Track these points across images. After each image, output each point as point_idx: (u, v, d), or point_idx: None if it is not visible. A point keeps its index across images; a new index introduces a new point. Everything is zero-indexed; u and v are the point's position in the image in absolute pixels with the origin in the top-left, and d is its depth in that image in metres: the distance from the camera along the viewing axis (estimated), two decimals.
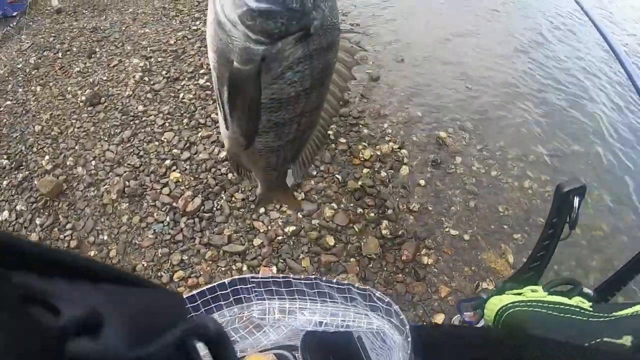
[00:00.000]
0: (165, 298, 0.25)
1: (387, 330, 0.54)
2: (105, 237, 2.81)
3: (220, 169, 3.01)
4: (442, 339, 0.59)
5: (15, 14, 5.57)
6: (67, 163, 3.29)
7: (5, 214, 3.16)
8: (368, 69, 4.04)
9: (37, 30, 5.35)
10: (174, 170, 3.03)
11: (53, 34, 4.97)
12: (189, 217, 2.80)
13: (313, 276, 0.56)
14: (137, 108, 3.58)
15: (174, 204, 2.86)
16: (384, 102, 3.72)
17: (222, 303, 0.57)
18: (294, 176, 0.91)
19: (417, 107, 3.63)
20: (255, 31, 0.51)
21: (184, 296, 0.52)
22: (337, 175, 2.94)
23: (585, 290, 0.66)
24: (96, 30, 4.86)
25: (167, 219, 2.81)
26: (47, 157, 3.40)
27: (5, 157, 3.45)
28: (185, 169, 3.04)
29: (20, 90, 4.18)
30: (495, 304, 0.59)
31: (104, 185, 3.06)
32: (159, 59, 4.09)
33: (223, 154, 3.08)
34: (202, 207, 2.83)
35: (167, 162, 3.09)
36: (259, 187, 1.05)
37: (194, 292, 0.54)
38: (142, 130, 3.38)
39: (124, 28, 4.86)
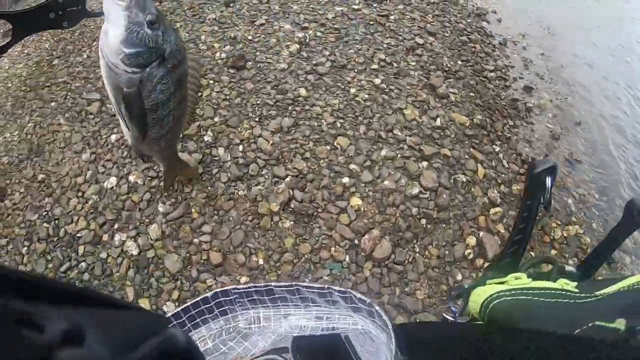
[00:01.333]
0: (142, 316, 0.26)
1: (372, 330, 0.55)
2: (261, 262, 2.09)
3: (411, 209, 2.32)
4: (426, 336, 0.60)
5: None
6: (205, 138, 2.54)
7: (113, 180, 2.40)
8: (549, 123, 3.36)
9: None
10: (353, 194, 2.32)
11: None
12: (376, 265, 2.11)
13: (293, 282, 0.57)
14: (296, 90, 2.83)
15: (356, 241, 2.16)
16: (567, 169, 3.07)
17: (208, 317, 0.57)
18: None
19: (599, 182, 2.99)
20: (131, 66, 0.85)
21: (169, 315, 0.54)
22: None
23: (568, 268, 0.65)
24: None
25: (347, 258, 2.11)
26: None
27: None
28: (368, 196, 2.33)
29: None
30: (480, 294, 0.56)
31: (257, 185, 2.33)
32: (318, 34, 3.32)
33: (415, 190, 2.38)
34: (393, 256, 2.13)
35: (345, 179, 2.37)
36: (162, 167, 1.59)
37: (178, 309, 0.54)
38: (306, 122, 2.64)
39: None
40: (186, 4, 3.66)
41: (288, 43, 3.19)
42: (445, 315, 0.76)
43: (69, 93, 3.05)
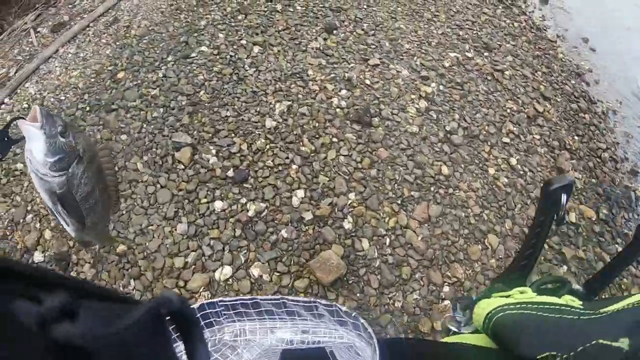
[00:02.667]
0: (136, 304, 0.26)
1: (358, 344, 0.56)
2: None
3: None
4: (412, 354, 0.61)
5: None
6: (344, 225, 2.12)
7: (227, 271, 1.96)
8: None
9: None
10: None
11: None
12: None
13: (279, 296, 0.58)
14: (434, 164, 2.45)
15: None
16: None
17: None
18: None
19: None
20: (58, 170, 0.95)
21: None
22: None
23: (575, 286, 0.64)
24: None
25: None
26: (300, 192, 2.18)
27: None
28: None
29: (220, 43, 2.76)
30: (484, 307, 0.55)
31: (412, 293, 1.97)
32: (441, 87, 2.92)
33: None
34: None
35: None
36: (99, 243, 1.76)
37: None
38: (452, 211, 2.29)
39: (368, 7, 3.51)
40: (280, 22, 3.08)
41: (412, 96, 2.76)
42: (449, 326, 0.73)
43: (145, 126, 2.45)
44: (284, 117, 2.47)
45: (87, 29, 3.35)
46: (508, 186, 2.51)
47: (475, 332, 0.64)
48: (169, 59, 2.83)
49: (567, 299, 0.52)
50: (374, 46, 3.06)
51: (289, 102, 2.53)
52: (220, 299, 0.59)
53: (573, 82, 3.62)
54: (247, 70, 2.74)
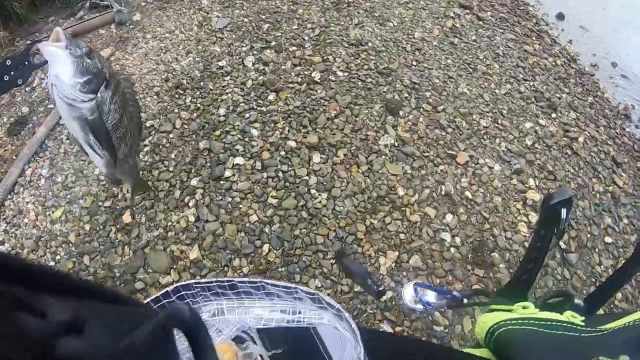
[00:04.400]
0: (142, 308, 0.27)
1: (340, 328, 0.55)
2: None
3: None
4: (393, 349, 0.61)
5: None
6: None
7: None
8: None
9: None
10: None
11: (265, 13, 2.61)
12: None
13: (258, 279, 0.57)
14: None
15: None
16: None
17: None
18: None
19: None
20: (87, 92, 0.92)
21: None
22: None
23: (576, 301, 0.65)
24: (325, 30, 2.70)
25: None
26: None
27: None
28: None
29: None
30: (486, 322, 0.56)
31: None
32: (537, 183, 2.45)
33: None
34: None
35: None
36: (129, 184, 1.61)
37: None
38: None
39: (417, 63, 2.84)
40: (330, 106, 2.33)
41: (517, 206, 2.27)
42: (413, 306, 0.73)
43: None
44: (395, 274, 1.85)
45: (58, 130, 2.32)
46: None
47: (476, 347, 0.61)
48: (193, 183, 2.00)
49: (569, 315, 0.52)
50: (450, 129, 2.47)
51: (395, 252, 1.90)
52: (195, 280, 0.57)
53: (626, 127, 3.36)
54: (316, 198, 2.02)
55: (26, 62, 0.99)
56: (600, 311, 0.69)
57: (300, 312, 0.58)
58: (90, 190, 2.19)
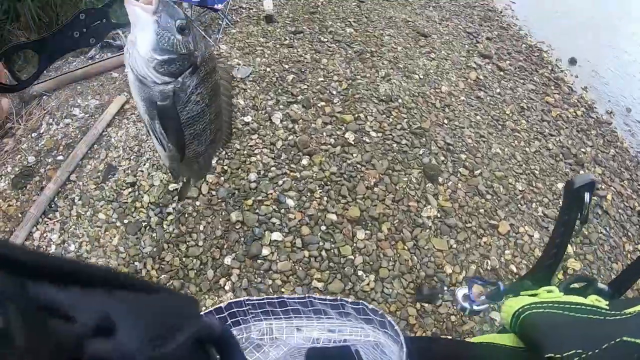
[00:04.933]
0: (175, 300, 0.26)
1: (384, 341, 0.57)
2: None
3: None
4: (439, 354, 0.63)
5: (221, 6, 2.82)
6: None
7: None
8: None
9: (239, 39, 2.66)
10: None
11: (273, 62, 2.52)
12: None
13: (306, 295, 0.58)
14: None
15: None
16: None
17: None
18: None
19: None
20: (164, 74, 0.75)
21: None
22: None
23: (600, 285, 0.64)
24: (352, 84, 2.63)
25: None
26: None
27: None
28: None
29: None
30: (512, 306, 0.57)
31: None
32: (577, 252, 2.37)
33: None
34: None
35: None
36: (187, 181, 1.33)
37: None
38: None
39: (448, 121, 2.76)
40: (367, 173, 2.21)
41: (561, 279, 2.16)
42: (463, 303, 0.71)
43: None
44: None
45: (69, 187, 2.12)
46: None
47: (502, 332, 0.63)
48: (227, 262, 1.83)
49: (593, 299, 0.52)
50: (489, 195, 2.37)
51: (448, 337, 1.76)
52: (247, 297, 0.59)
53: None
54: (363, 281, 1.88)
55: (104, 20, 0.82)
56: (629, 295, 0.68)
57: (345, 332, 0.59)
58: (108, 262, 1.99)
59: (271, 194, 2.11)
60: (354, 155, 2.33)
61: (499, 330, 0.67)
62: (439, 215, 2.20)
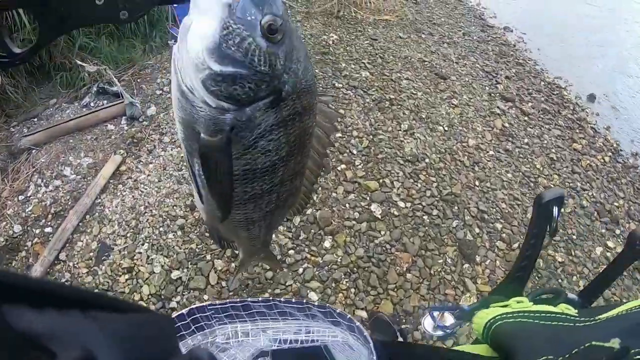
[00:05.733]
0: (153, 322, 0.25)
1: (353, 344, 0.56)
2: None
3: None
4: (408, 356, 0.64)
5: None
6: None
7: None
8: None
9: None
10: None
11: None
12: None
13: (270, 297, 0.61)
14: None
15: None
16: None
17: (184, 333, 0.57)
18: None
19: None
20: (220, 97, 0.45)
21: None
22: None
23: (570, 295, 0.65)
24: (374, 140, 2.40)
25: None
26: None
27: None
28: None
29: None
30: (483, 317, 0.57)
31: None
32: None
33: None
34: None
35: None
36: (241, 253, 0.92)
37: None
38: None
39: (479, 182, 2.52)
40: (399, 256, 1.95)
41: None
42: (433, 332, 0.72)
43: None
44: None
45: (57, 269, 1.85)
46: None
47: (475, 343, 0.62)
48: None
49: (563, 307, 0.53)
50: (536, 277, 2.13)
51: None
52: (209, 302, 0.56)
53: None
54: None
55: None
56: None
57: (313, 332, 0.58)
58: None
59: (291, 285, 1.84)
60: (382, 232, 2.08)
61: (472, 341, 0.68)
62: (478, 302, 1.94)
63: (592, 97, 4.22)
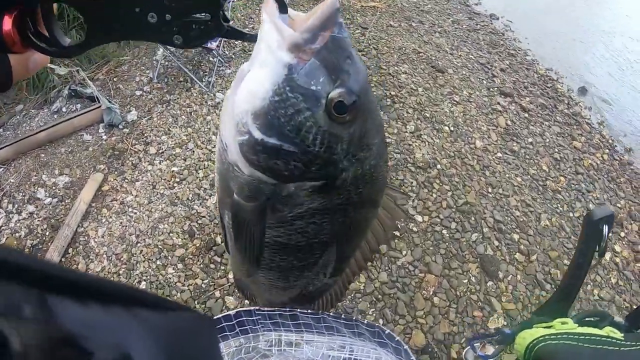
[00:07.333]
0: (196, 324, 0.25)
1: None
2: None
3: None
4: None
5: (214, 44, 2.31)
6: None
7: None
8: None
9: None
10: None
11: None
12: None
13: (320, 311, 0.55)
14: None
15: None
16: None
17: (228, 333, 0.56)
18: None
19: None
20: (257, 168, 0.38)
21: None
22: None
23: (617, 319, 0.64)
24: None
25: None
26: None
27: None
28: None
29: None
30: (526, 337, 0.57)
31: None
32: None
33: None
34: None
35: None
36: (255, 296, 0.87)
37: None
38: None
39: (491, 189, 2.42)
40: (426, 279, 1.83)
41: None
42: (466, 358, 0.71)
43: None
44: None
45: None
46: None
47: None
48: None
49: (608, 331, 0.52)
50: (548, 285, 2.10)
51: None
52: (258, 307, 0.55)
53: None
54: None
55: (212, 15, 0.40)
56: None
57: (356, 350, 0.57)
58: None
59: None
60: (403, 252, 1.93)
61: None
62: (505, 324, 1.86)
63: (583, 90, 4.21)
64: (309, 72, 0.34)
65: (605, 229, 0.63)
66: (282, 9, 0.35)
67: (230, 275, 1.74)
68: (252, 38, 0.38)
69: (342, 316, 0.56)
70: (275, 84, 0.35)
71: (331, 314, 0.56)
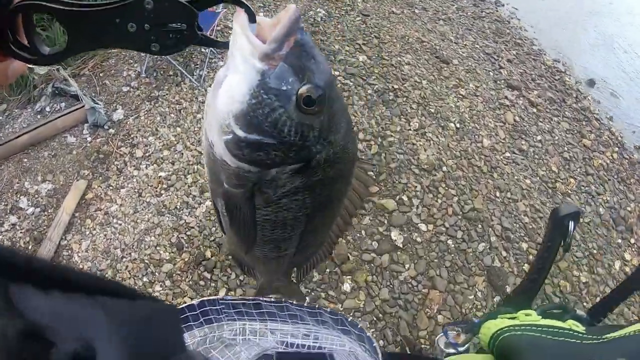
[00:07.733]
0: (161, 313, 0.25)
1: (361, 355, 0.55)
2: None
3: None
4: None
5: (206, 33, 1.99)
6: None
7: None
8: None
9: None
10: None
11: None
12: None
13: (283, 299, 0.57)
14: None
15: None
16: None
17: (192, 324, 0.57)
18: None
19: None
20: (242, 160, 0.45)
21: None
22: None
23: (579, 312, 0.67)
24: (383, 144, 2.16)
25: None
26: None
27: None
28: None
29: None
30: (490, 328, 0.57)
31: None
32: None
33: None
34: None
35: None
36: (261, 279, 0.97)
37: None
38: None
39: (501, 192, 2.30)
40: (434, 301, 1.72)
41: None
42: (445, 349, 0.72)
43: None
44: None
45: None
46: None
47: (480, 352, 0.62)
48: None
49: (571, 324, 0.53)
50: (557, 299, 1.99)
51: None
52: (221, 297, 0.56)
53: None
54: None
55: (187, 25, 0.45)
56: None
57: (321, 338, 0.58)
58: None
59: None
60: (406, 265, 1.82)
61: (477, 350, 0.68)
62: None
63: (591, 83, 4.06)
64: (279, 75, 0.40)
65: (572, 225, 0.65)
66: (252, 18, 0.39)
67: (222, 293, 1.64)
68: (224, 45, 0.42)
69: (305, 304, 0.57)
70: (251, 88, 0.40)
71: (294, 302, 0.57)
